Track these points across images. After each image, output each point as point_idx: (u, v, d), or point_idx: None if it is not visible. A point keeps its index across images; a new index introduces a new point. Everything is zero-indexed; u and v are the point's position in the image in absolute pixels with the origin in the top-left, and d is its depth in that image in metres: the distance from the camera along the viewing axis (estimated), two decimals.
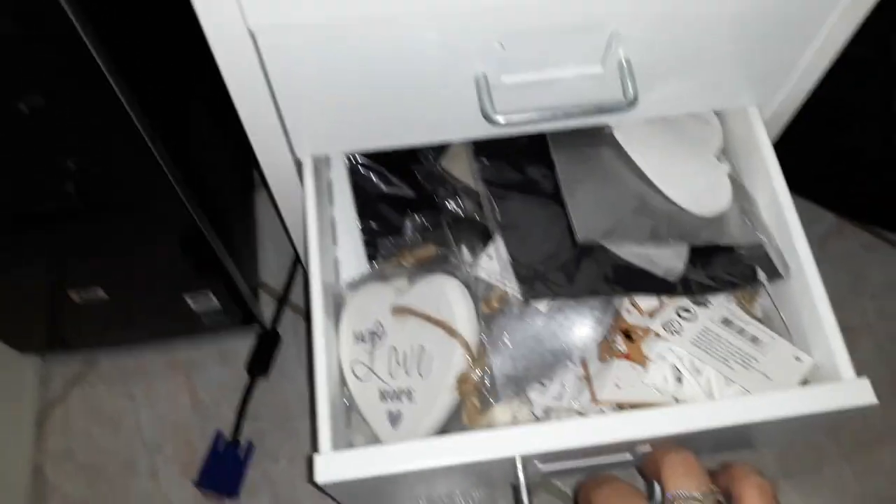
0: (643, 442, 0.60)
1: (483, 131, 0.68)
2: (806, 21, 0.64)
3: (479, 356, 0.65)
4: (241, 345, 1.13)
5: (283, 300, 1.15)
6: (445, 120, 0.67)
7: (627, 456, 0.64)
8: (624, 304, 0.69)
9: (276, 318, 1.14)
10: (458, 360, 0.65)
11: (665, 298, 0.68)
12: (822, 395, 0.60)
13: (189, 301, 1.00)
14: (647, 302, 0.69)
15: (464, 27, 0.57)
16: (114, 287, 0.93)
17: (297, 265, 1.17)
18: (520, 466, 0.60)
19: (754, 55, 0.66)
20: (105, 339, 1.11)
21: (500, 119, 0.62)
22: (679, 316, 0.67)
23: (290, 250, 1.18)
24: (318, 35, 0.56)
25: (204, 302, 1.00)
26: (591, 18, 0.59)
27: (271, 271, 1.19)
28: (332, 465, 0.58)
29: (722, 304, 0.68)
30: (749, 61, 0.67)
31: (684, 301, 0.68)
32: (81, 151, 0.69)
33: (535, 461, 0.62)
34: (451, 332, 0.65)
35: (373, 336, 0.69)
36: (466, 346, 0.65)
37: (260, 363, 1.11)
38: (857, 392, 0.60)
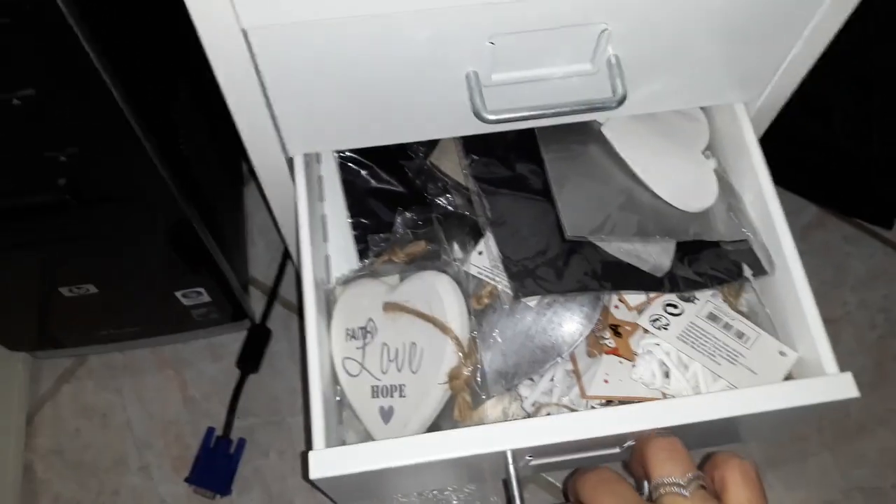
0: (632, 436, 0.61)
1: (474, 128, 0.68)
2: (792, 19, 0.65)
3: (470, 352, 0.66)
4: (232, 340, 1.13)
5: (273, 295, 1.15)
6: (437, 117, 0.68)
7: (616, 450, 0.65)
8: (612, 299, 0.70)
9: (266, 313, 1.14)
10: (449, 356, 0.66)
11: (652, 294, 0.69)
12: (807, 390, 0.61)
13: (180, 297, 1.00)
14: (634, 297, 0.70)
15: (455, 25, 0.58)
16: (105, 283, 0.93)
17: (287, 260, 1.17)
18: (510, 461, 0.61)
19: (741, 53, 0.67)
20: (95, 337, 1.11)
21: (491, 116, 0.62)
22: (666, 311, 0.68)
23: (280, 245, 1.18)
24: (310, 34, 0.57)
25: (195, 298, 1.01)
26: (581, 16, 0.59)
27: (261, 266, 1.19)
28: (326, 462, 0.59)
29: (708, 300, 0.69)
30: (736, 59, 0.68)
31: (671, 297, 0.69)
32: (73, 145, 0.69)
33: (526, 455, 0.63)
34: (443, 328, 0.66)
35: (364, 333, 0.70)
36: (458, 341, 0.66)
37: (250, 359, 1.11)
38: (840, 386, 0.62)
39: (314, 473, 0.59)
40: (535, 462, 0.65)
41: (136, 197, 0.79)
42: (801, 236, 1.18)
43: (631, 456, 0.63)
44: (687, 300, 0.69)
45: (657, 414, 0.60)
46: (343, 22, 0.56)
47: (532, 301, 0.67)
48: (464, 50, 0.60)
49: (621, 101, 0.64)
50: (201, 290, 0.99)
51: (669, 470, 0.54)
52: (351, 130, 0.69)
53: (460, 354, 0.65)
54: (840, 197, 1.19)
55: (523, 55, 0.62)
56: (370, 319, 0.70)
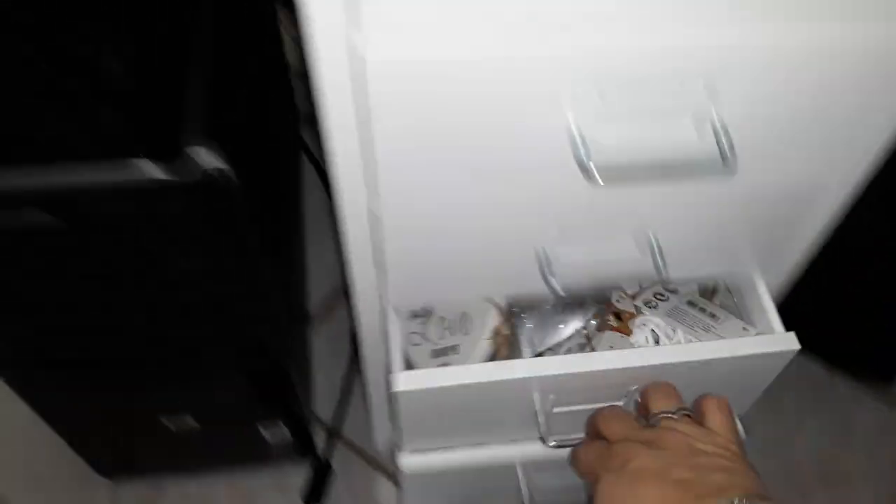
0: (632, 377, 0.78)
1: (541, 287, 0.79)
2: (800, 213, 0.82)
3: (508, 316, 0.86)
4: (296, 474, 1.22)
5: (335, 433, 1.26)
6: (510, 279, 0.84)
7: (622, 402, 0.82)
8: (614, 295, 0.90)
9: (329, 449, 1.24)
10: (493, 317, 0.85)
11: (644, 285, 0.90)
12: (760, 342, 0.80)
13: (262, 430, 1.11)
14: (631, 289, 0.91)
15: (529, 215, 0.74)
16: (201, 414, 1.04)
17: (348, 399, 1.28)
18: (537, 398, 0.79)
19: (759, 238, 0.84)
20: (176, 465, 1.19)
21: (554, 280, 0.78)
22: (655, 297, 0.89)
23: (337, 383, 1.28)
24: (426, 223, 0.73)
25: (275, 431, 1.12)
26: (629, 218, 0.77)
27: (320, 404, 1.30)
28: (409, 379, 0.75)
29: (688, 293, 0.90)
30: (754, 242, 0.85)
31: (659, 288, 0.90)
32: (216, 304, 0.84)
33: (550, 395, 0.80)
34: (487, 297, 0.86)
35: (426, 311, 0.89)
36: (499, 307, 0.86)
37: (315, 494, 1.20)
38: (785, 341, 0.79)
39: (398, 387, 0.74)
40: (557, 409, 0.82)
41: (249, 335, 0.92)
42: (812, 396, 1.26)
43: (636, 409, 0.79)
44: (672, 291, 0.90)
45: (649, 356, 0.77)
46: (448, 218, 0.73)
47: None
48: (530, 229, 0.77)
49: (662, 275, 0.79)
50: (281, 424, 1.10)
51: (663, 404, 0.69)
52: (440, 289, 0.85)
53: (501, 318, 0.86)
54: (848, 352, 1.25)
55: (584, 242, 0.79)
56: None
